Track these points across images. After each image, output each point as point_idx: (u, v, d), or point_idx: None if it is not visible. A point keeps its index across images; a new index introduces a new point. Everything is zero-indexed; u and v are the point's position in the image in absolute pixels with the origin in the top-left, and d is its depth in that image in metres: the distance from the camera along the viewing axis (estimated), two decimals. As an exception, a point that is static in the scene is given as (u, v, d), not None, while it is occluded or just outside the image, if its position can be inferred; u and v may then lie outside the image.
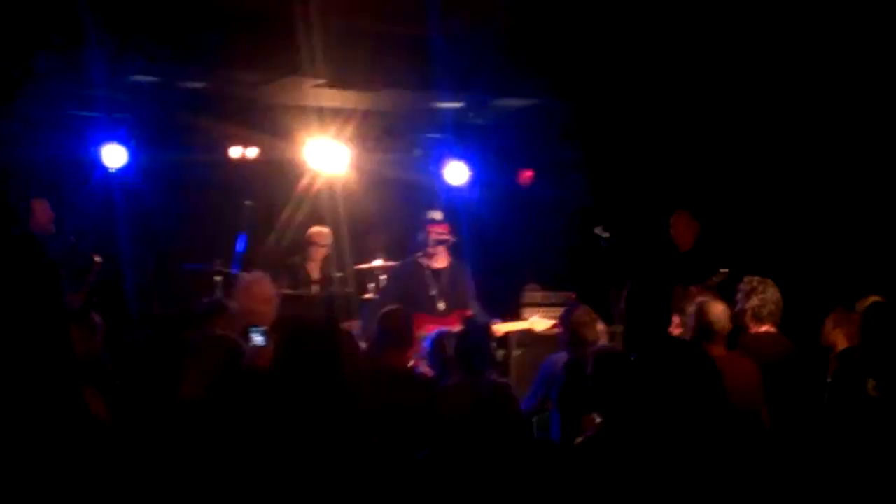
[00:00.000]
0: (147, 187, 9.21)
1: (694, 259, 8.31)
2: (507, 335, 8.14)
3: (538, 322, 8.00)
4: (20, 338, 4.06)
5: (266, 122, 9.19)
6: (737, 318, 6.20)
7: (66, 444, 4.07)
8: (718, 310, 5.86)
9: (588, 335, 6.22)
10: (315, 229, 9.01)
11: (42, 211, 7.78)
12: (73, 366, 4.55)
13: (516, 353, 8.29)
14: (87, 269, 7.77)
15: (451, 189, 9.73)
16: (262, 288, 6.86)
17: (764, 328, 6.24)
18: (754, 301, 6.21)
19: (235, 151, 9.19)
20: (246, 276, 7.38)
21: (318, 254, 8.96)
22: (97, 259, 7.79)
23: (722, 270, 7.58)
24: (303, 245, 9.07)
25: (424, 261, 7.92)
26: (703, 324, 5.81)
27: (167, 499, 4.24)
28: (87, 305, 7.28)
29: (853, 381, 5.16)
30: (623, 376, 4.80)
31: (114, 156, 8.69)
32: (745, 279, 6.38)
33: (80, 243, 7.86)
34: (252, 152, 9.22)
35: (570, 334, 6.31)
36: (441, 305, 7.78)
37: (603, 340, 6.46)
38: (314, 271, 8.98)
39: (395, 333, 5.97)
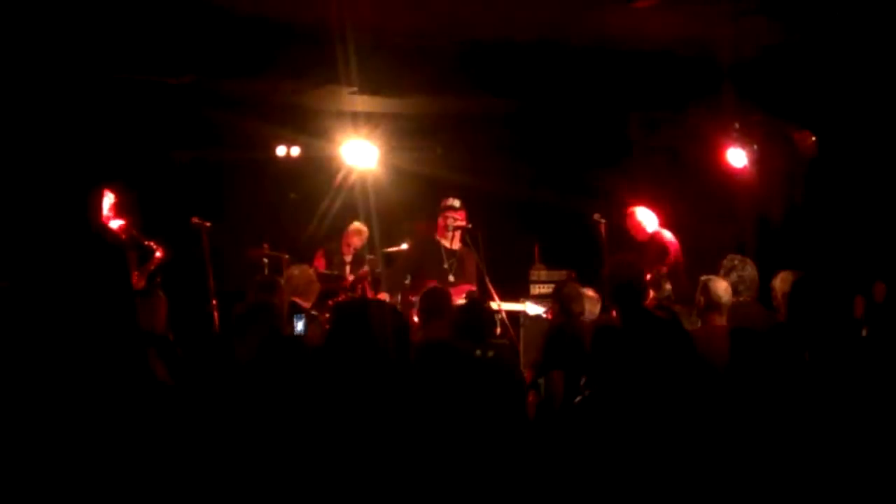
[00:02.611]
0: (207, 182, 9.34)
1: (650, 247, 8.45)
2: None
3: (531, 307, 8.12)
4: (93, 312, 4.08)
5: (307, 125, 9.24)
6: None
7: (134, 402, 4.11)
8: (722, 286, 5.95)
9: (574, 307, 6.44)
10: (355, 226, 9.08)
11: (112, 200, 7.76)
12: (139, 336, 4.61)
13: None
14: (147, 258, 7.83)
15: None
16: (304, 272, 6.95)
17: (742, 299, 6.23)
18: (733, 277, 6.22)
19: (281, 150, 9.23)
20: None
21: (355, 243, 9.03)
22: (158, 254, 7.82)
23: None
24: (341, 234, 9.14)
25: (442, 240, 8.08)
26: (709, 299, 5.89)
27: (226, 452, 4.26)
28: (153, 284, 7.42)
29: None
30: (614, 344, 4.88)
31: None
32: (728, 257, 6.39)
33: (145, 235, 7.88)
34: (295, 151, 9.27)
35: (559, 306, 6.50)
36: (451, 278, 7.91)
37: (593, 308, 6.58)
38: (347, 254, 9.05)
39: (435, 308, 5.98)
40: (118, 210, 7.70)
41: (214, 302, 7.91)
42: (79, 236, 4.48)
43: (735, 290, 6.12)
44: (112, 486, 3.73)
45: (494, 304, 7.42)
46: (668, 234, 8.54)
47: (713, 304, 5.86)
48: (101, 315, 4.06)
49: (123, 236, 7.66)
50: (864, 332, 5.99)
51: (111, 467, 3.76)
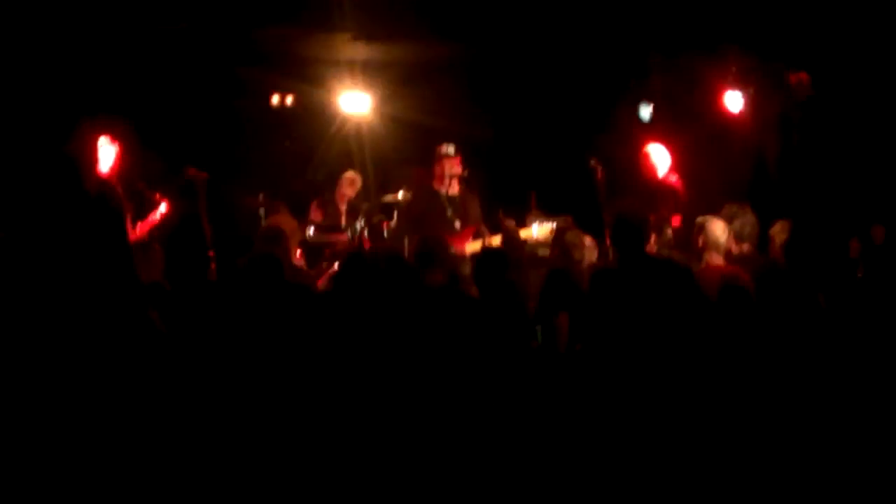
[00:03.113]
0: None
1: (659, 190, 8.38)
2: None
3: (536, 229, 7.92)
4: (94, 264, 4.03)
5: (301, 73, 9.07)
6: None
7: (135, 345, 4.07)
8: (720, 226, 5.94)
9: (575, 254, 6.35)
10: (348, 175, 8.95)
11: (115, 150, 7.68)
12: (138, 286, 4.56)
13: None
14: (150, 211, 7.82)
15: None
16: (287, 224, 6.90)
17: (745, 246, 6.19)
18: (735, 225, 6.15)
19: (275, 99, 9.06)
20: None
21: (348, 193, 8.91)
22: (163, 207, 7.83)
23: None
24: (335, 183, 9.00)
25: (440, 189, 7.93)
26: (707, 239, 5.89)
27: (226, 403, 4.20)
28: (150, 239, 7.36)
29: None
30: (614, 287, 4.84)
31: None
32: (726, 205, 6.33)
33: (148, 187, 7.87)
34: (289, 100, 9.10)
35: (560, 250, 6.43)
36: (457, 224, 7.78)
37: (590, 255, 6.50)
38: (342, 203, 8.94)
39: (432, 255, 5.88)
40: (122, 161, 7.61)
41: (211, 252, 7.83)
42: (73, 187, 4.40)
43: (739, 237, 6.06)
44: (108, 429, 3.68)
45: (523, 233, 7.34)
46: (675, 179, 8.47)
47: (711, 244, 5.87)
48: (98, 266, 3.99)
49: (122, 188, 7.57)
50: (859, 273, 5.99)
51: (109, 411, 3.71)
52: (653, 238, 6.93)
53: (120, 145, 7.70)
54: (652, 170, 8.55)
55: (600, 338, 4.85)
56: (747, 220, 6.19)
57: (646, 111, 9.42)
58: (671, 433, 4.32)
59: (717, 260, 5.82)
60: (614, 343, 4.73)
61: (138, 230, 7.71)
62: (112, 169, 7.66)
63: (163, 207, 7.84)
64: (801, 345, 4.49)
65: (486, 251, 6.21)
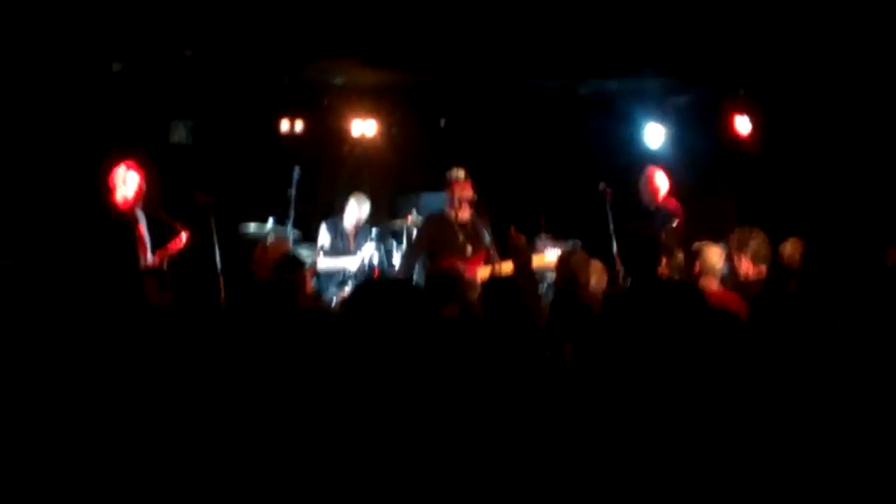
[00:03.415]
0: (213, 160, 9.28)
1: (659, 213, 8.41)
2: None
3: (550, 254, 7.89)
4: (100, 286, 4.00)
5: (310, 99, 9.04)
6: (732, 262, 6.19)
7: (138, 369, 4.01)
8: (716, 252, 5.97)
9: (581, 277, 6.19)
10: (356, 200, 8.89)
11: (133, 184, 7.70)
12: (145, 309, 4.52)
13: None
14: (170, 237, 7.89)
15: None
16: (278, 249, 6.90)
17: (763, 269, 6.09)
18: (752, 247, 6.06)
19: (284, 125, 9.03)
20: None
21: (358, 217, 8.87)
22: (183, 236, 7.89)
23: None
24: (344, 206, 8.97)
25: (451, 213, 7.89)
26: (704, 265, 5.91)
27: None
28: (161, 264, 7.38)
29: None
30: (627, 311, 4.75)
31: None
32: (737, 229, 6.27)
33: (170, 216, 7.92)
34: (299, 126, 9.07)
35: (565, 275, 6.29)
36: (469, 250, 7.76)
37: (598, 279, 6.45)
38: (352, 227, 8.87)
39: (450, 287, 5.80)
40: (143, 189, 7.69)
41: (221, 278, 7.81)
42: (89, 211, 4.40)
43: (756, 260, 5.97)
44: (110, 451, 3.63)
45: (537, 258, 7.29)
46: (673, 203, 8.46)
47: (707, 269, 5.89)
48: (105, 291, 3.96)
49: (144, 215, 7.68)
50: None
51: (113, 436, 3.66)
52: (664, 261, 6.90)
53: (141, 174, 7.72)
54: (655, 191, 8.53)
55: (612, 362, 4.77)
56: (762, 241, 6.09)
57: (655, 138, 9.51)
58: (681, 460, 4.25)
59: (712, 285, 5.78)
60: (626, 368, 4.66)
61: (157, 257, 7.76)
62: (134, 197, 7.69)
63: (183, 237, 7.90)
64: (804, 370, 4.42)
65: (496, 279, 6.13)
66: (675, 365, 4.49)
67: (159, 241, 7.92)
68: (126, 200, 7.61)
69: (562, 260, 6.53)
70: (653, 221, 8.26)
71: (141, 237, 7.70)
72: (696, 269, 5.91)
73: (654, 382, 4.46)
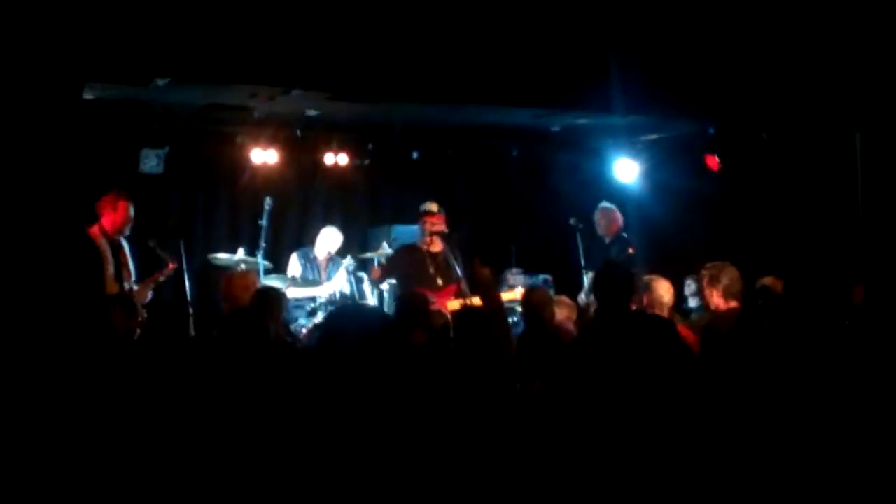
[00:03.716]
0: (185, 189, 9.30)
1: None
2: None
3: (520, 286, 7.98)
4: (64, 315, 3.91)
5: (282, 131, 8.98)
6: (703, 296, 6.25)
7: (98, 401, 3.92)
8: (664, 286, 6.05)
9: (545, 313, 6.15)
10: (328, 232, 8.89)
11: (122, 211, 7.67)
12: (110, 339, 4.43)
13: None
14: (159, 268, 7.88)
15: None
16: (243, 280, 6.75)
17: (732, 304, 6.01)
18: (724, 281, 6.01)
19: (257, 156, 8.95)
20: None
21: (329, 248, 8.84)
22: (171, 265, 7.86)
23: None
24: (316, 239, 8.96)
25: (423, 246, 7.94)
26: (651, 298, 5.99)
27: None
28: (126, 292, 7.28)
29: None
30: (598, 343, 4.71)
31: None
32: (708, 264, 6.20)
33: (159, 246, 7.89)
34: (272, 157, 9.00)
35: (528, 312, 6.28)
36: (439, 282, 7.77)
37: (567, 313, 6.44)
38: (322, 259, 8.90)
39: (417, 313, 5.74)
40: (130, 218, 7.69)
41: (191, 311, 7.73)
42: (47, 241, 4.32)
43: (728, 295, 5.92)
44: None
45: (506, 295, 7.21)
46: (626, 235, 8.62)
47: (655, 302, 5.96)
48: (68, 317, 3.87)
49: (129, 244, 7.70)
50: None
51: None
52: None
53: (130, 202, 7.69)
54: (614, 223, 8.68)
55: (583, 397, 4.71)
56: (734, 277, 6.04)
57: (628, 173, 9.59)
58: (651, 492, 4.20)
59: None
60: (598, 402, 4.60)
61: (141, 288, 7.72)
62: (121, 224, 7.65)
63: (168, 267, 7.85)
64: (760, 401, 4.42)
65: (467, 310, 6.07)
66: (649, 397, 4.46)
67: (148, 271, 7.88)
68: (114, 226, 7.58)
69: (524, 297, 6.51)
70: (608, 252, 8.35)
71: (125, 264, 7.66)
72: (645, 301, 5.93)
73: (627, 414, 4.43)
